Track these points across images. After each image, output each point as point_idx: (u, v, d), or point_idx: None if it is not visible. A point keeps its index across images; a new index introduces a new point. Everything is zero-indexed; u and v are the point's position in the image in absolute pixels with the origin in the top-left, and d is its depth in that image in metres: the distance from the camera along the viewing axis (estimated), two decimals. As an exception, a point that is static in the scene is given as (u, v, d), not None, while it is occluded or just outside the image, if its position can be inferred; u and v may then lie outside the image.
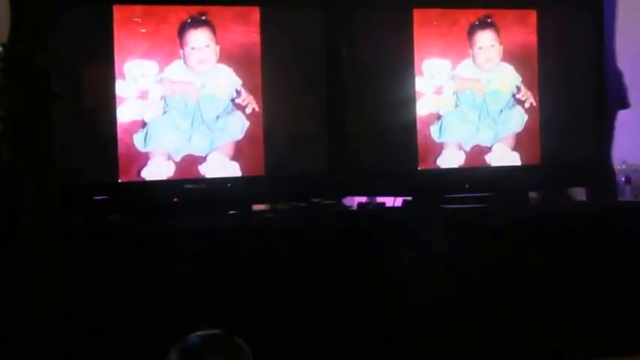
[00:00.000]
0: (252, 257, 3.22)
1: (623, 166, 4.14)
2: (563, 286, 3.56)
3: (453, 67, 3.61)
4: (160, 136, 3.27)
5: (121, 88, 3.22)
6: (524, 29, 3.69)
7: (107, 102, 3.20)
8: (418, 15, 3.56)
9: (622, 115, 4.02)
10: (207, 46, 3.32)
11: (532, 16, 3.69)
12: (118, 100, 3.21)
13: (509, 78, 3.67)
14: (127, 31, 3.22)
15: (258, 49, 3.36)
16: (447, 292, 3.40)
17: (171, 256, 3.13)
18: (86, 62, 3.22)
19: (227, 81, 3.34)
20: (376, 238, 3.38)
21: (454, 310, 3.41)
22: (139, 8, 3.24)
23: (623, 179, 4.11)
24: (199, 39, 3.31)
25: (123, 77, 3.22)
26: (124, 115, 3.22)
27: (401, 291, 3.36)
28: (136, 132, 3.24)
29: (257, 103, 3.37)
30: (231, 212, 3.36)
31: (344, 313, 3.29)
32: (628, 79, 4.03)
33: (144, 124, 3.25)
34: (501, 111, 3.67)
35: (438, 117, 3.59)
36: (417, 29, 3.56)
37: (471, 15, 3.62)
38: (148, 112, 3.26)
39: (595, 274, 3.59)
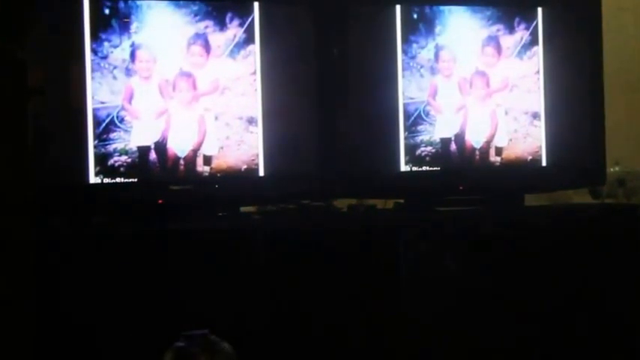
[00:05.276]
0: (240, 260, 3.16)
1: (617, 168, 4.12)
2: (562, 292, 3.54)
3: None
4: (144, 134, 3.17)
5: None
6: (523, 26, 3.65)
7: (86, 98, 3.10)
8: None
9: (616, 116, 4.00)
10: (195, 42, 3.24)
11: (532, 13, 3.66)
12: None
13: (507, 76, 3.62)
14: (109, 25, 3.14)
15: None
16: (443, 297, 3.38)
17: (156, 259, 3.06)
18: (65, 57, 3.12)
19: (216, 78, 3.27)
20: (367, 241, 3.33)
21: (450, 316, 3.39)
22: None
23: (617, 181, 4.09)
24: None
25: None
26: (104, 111, 3.13)
27: (394, 295, 3.32)
28: (118, 129, 3.14)
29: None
30: (219, 214, 3.30)
31: (335, 318, 3.25)
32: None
33: (127, 121, 3.16)
34: (497, 110, 3.62)
35: (432, 116, 3.53)
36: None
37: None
38: (132, 109, 3.16)
39: (593, 277, 3.58)
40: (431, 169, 3.54)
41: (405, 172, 3.51)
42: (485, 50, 3.61)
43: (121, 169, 3.16)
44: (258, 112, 3.31)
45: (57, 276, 2.98)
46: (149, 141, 3.19)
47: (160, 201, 3.22)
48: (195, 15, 3.24)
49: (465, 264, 3.42)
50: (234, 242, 3.17)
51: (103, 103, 3.13)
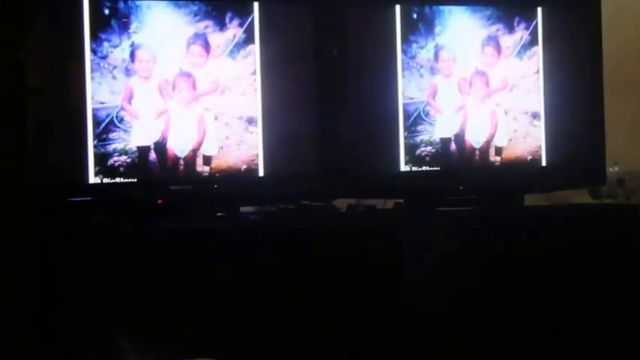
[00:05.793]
0: (239, 260, 3.15)
1: (616, 168, 4.12)
2: (562, 292, 3.53)
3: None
4: (144, 134, 3.17)
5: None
6: (523, 26, 3.65)
7: (86, 98, 3.10)
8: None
9: (616, 116, 3.99)
10: (194, 42, 3.23)
11: (532, 13, 3.66)
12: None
13: (506, 76, 3.62)
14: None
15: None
16: (443, 297, 3.37)
17: (156, 259, 3.05)
18: (65, 57, 3.12)
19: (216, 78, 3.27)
20: (367, 242, 3.31)
21: (450, 316, 3.38)
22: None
23: (616, 181, 4.09)
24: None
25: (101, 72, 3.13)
26: (104, 112, 3.12)
27: (394, 295, 3.31)
28: (116, 129, 3.14)
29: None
30: (218, 214, 3.29)
31: (336, 318, 3.24)
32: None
33: (126, 121, 3.15)
34: (497, 110, 3.61)
35: (432, 116, 3.52)
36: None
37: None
38: (131, 109, 3.16)
39: (593, 278, 3.58)
40: (431, 169, 3.53)
41: (405, 172, 3.50)
42: (484, 50, 3.60)
43: (121, 169, 3.15)
44: (258, 112, 3.31)
45: (57, 276, 2.97)
46: (149, 141, 3.19)
47: (160, 201, 3.21)
48: (195, 15, 3.24)
49: (465, 264, 3.41)
50: (233, 242, 3.16)
51: (102, 103, 3.13)
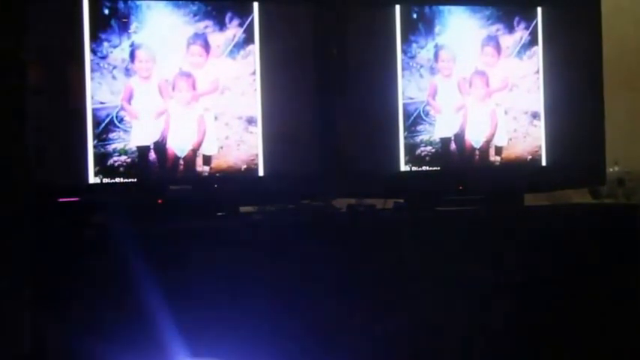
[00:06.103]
0: (239, 260, 3.14)
1: (616, 168, 4.12)
2: (562, 291, 3.54)
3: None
4: (143, 134, 3.17)
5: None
6: (523, 26, 3.65)
7: (86, 98, 3.10)
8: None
9: (616, 116, 4.00)
10: (194, 42, 3.23)
11: (532, 13, 3.66)
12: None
13: (506, 76, 3.62)
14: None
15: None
16: (444, 296, 3.37)
17: (156, 259, 3.03)
18: (65, 57, 3.12)
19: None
20: (367, 241, 3.32)
21: (450, 315, 3.38)
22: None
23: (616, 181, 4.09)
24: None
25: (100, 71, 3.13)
26: (104, 112, 3.12)
27: (394, 295, 3.32)
28: (116, 129, 3.13)
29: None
30: (218, 214, 3.29)
31: (336, 318, 3.24)
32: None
33: (126, 121, 3.15)
34: (497, 109, 3.61)
35: (432, 116, 3.52)
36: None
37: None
38: (131, 109, 3.16)
39: (593, 277, 3.59)
40: (431, 169, 3.53)
41: (405, 172, 3.50)
42: (484, 50, 3.60)
43: (121, 169, 3.15)
44: (257, 112, 3.31)
45: (57, 276, 2.97)
46: (149, 141, 3.19)
47: (160, 201, 3.21)
48: (195, 15, 3.24)
49: (465, 264, 3.41)
50: (233, 242, 3.16)
51: (102, 103, 3.12)
